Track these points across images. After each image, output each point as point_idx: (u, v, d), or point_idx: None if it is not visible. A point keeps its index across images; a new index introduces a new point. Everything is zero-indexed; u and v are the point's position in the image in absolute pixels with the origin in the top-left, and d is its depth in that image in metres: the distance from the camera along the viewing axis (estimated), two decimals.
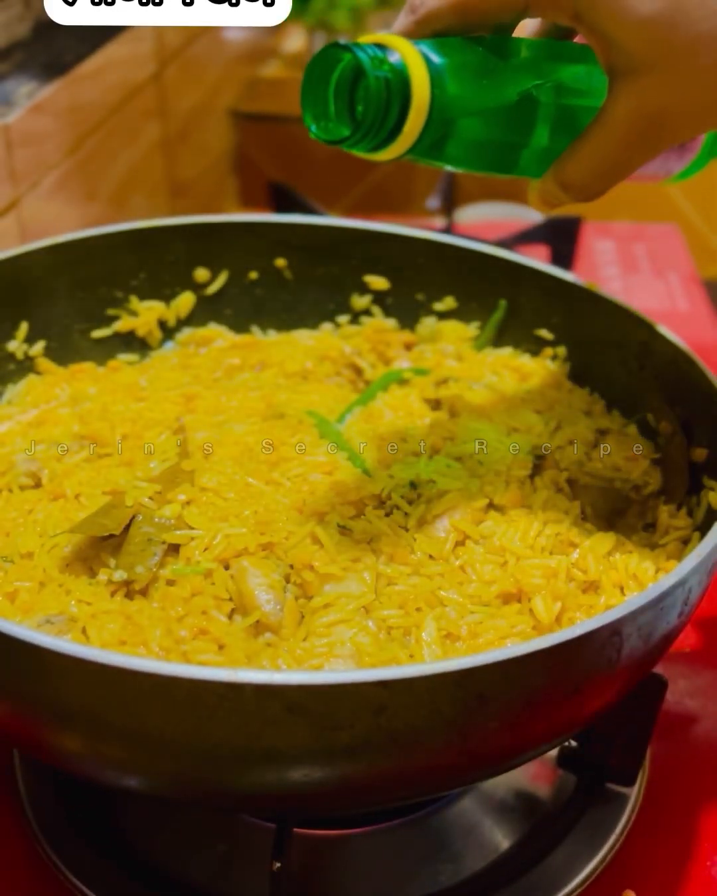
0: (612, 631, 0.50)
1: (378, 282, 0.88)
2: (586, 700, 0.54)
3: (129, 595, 0.59)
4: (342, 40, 0.51)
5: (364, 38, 0.52)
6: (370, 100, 0.50)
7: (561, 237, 1.25)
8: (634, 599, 0.51)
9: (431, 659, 0.56)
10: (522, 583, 0.61)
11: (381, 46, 0.50)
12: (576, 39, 0.59)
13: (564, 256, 1.25)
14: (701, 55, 0.51)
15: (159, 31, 1.29)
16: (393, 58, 0.50)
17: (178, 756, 0.50)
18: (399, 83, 0.50)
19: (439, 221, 1.38)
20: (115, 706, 0.48)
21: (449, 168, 0.57)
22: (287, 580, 0.60)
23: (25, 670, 0.49)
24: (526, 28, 0.60)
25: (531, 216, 1.46)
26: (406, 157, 0.54)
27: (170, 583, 0.59)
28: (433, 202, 1.34)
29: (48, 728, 0.52)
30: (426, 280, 0.88)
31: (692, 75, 0.52)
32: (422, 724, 0.48)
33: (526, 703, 0.50)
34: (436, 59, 0.51)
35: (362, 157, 0.54)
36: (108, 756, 0.52)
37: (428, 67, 0.51)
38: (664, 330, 0.74)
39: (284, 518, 0.62)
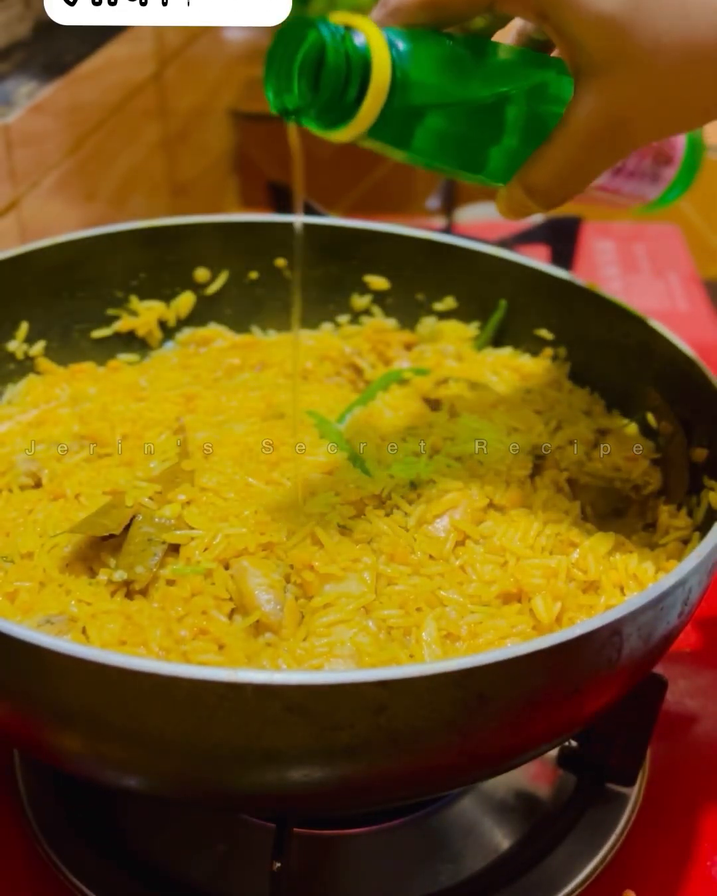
0: (612, 631, 0.50)
1: (378, 282, 0.88)
2: (586, 700, 0.54)
3: (129, 595, 0.59)
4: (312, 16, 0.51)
5: (334, 16, 0.52)
6: (328, 74, 0.50)
7: (561, 237, 1.25)
8: (634, 599, 0.51)
9: (431, 659, 0.56)
10: (522, 583, 0.61)
11: (348, 26, 0.51)
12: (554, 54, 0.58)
13: (564, 256, 1.25)
14: (661, 56, 0.51)
15: (159, 31, 1.29)
16: (358, 38, 0.50)
17: (178, 756, 0.50)
18: (360, 62, 0.50)
19: (439, 221, 1.38)
20: (115, 706, 0.48)
21: (414, 162, 0.56)
22: (287, 580, 0.60)
23: (25, 670, 0.49)
24: (506, 39, 0.60)
25: (531, 216, 1.46)
26: (368, 142, 0.53)
27: (170, 583, 0.59)
28: (433, 202, 1.34)
29: (48, 728, 0.52)
30: (426, 280, 0.88)
31: (652, 77, 0.51)
32: (422, 724, 0.48)
33: (526, 703, 0.50)
34: (402, 45, 0.51)
35: (321, 135, 0.54)
36: (109, 756, 0.52)
37: (392, 51, 0.51)
38: (664, 330, 0.74)
39: (284, 518, 0.62)
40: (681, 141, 0.69)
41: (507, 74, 0.55)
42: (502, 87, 0.55)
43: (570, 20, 0.51)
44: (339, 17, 0.52)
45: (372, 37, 0.50)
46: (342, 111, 0.51)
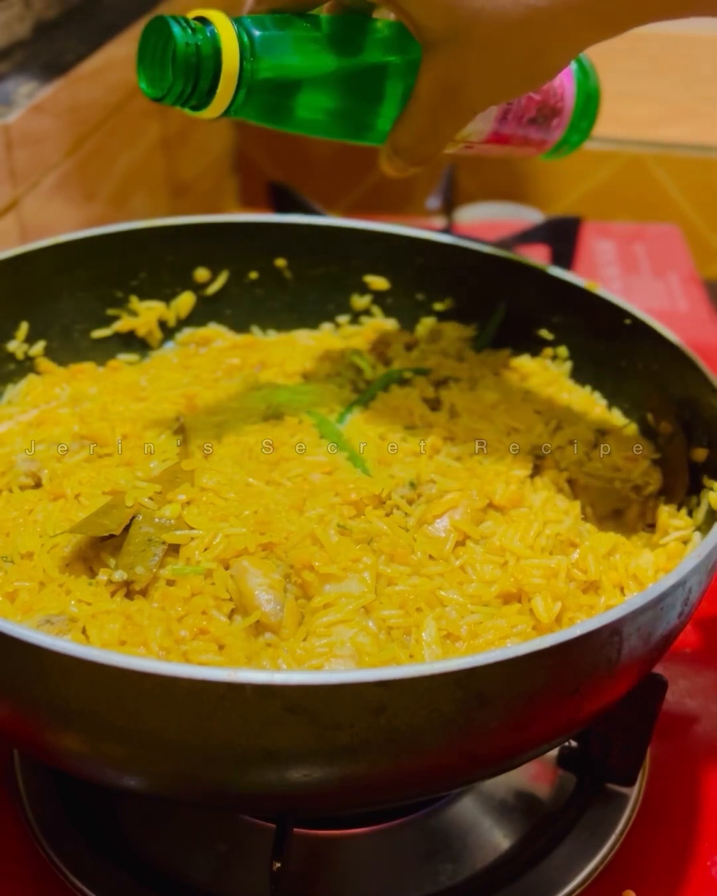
0: (612, 631, 0.50)
1: (378, 282, 0.88)
2: (586, 700, 0.54)
3: (129, 595, 0.59)
4: (169, 14, 0.57)
5: (192, 12, 0.57)
6: (178, 65, 0.56)
7: (561, 237, 1.25)
8: (634, 599, 0.51)
9: (431, 659, 0.56)
10: (522, 583, 0.61)
11: (202, 19, 0.57)
12: None
13: (564, 256, 1.24)
14: (479, 29, 0.56)
15: None
16: (209, 30, 0.56)
17: (178, 756, 0.50)
18: (210, 52, 0.56)
19: (439, 221, 1.37)
20: (115, 706, 0.48)
21: (298, 131, 0.62)
22: (287, 580, 0.60)
23: (25, 670, 0.49)
24: None
25: (531, 216, 1.46)
26: (242, 117, 0.59)
27: (170, 583, 0.59)
28: (433, 202, 1.34)
29: (48, 728, 0.52)
30: (426, 280, 0.88)
31: (474, 48, 0.57)
32: (422, 724, 0.48)
33: (526, 704, 0.50)
34: (257, 32, 0.57)
35: (193, 115, 0.59)
36: (109, 756, 0.52)
37: (243, 39, 0.57)
38: (663, 330, 0.74)
39: (284, 518, 0.62)
40: (569, 92, 0.71)
41: (371, 51, 0.60)
42: (366, 62, 0.60)
43: (406, 2, 0.57)
44: (195, 12, 0.57)
45: (221, 27, 0.56)
46: (202, 96, 0.57)
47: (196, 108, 0.58)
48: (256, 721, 0.47)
